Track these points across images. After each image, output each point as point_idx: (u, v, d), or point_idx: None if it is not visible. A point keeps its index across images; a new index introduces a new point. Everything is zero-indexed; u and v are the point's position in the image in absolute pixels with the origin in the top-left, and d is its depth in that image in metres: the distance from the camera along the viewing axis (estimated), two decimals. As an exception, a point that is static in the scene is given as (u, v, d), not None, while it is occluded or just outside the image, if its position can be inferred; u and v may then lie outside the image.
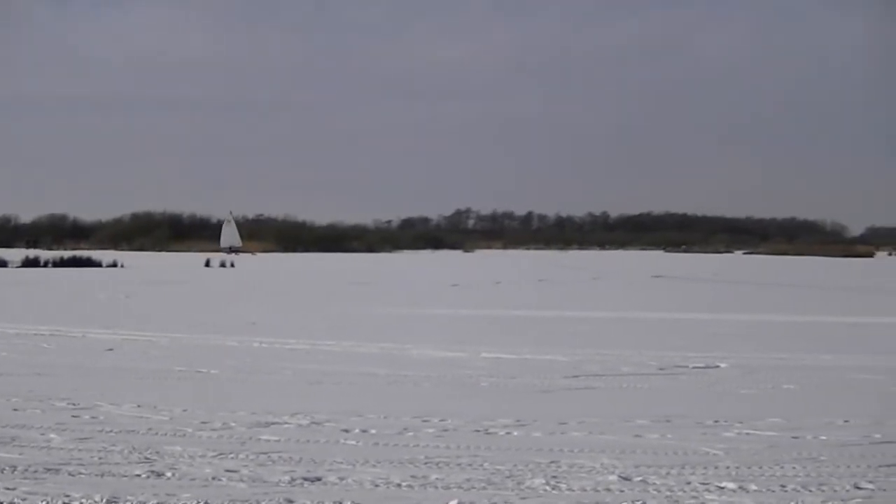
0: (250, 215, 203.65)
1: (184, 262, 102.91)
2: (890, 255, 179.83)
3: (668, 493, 10.76)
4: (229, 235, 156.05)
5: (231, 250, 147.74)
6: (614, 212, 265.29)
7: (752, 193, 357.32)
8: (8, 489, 10.55)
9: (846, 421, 15.30)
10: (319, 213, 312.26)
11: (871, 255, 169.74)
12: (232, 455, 12.40)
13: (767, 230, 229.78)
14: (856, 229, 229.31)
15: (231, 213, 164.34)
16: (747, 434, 14.25)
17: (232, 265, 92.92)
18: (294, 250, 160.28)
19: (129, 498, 10.15)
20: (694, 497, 10.62)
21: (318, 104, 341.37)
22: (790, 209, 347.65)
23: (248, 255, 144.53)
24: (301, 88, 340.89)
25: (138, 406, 16.03)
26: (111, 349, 24.73)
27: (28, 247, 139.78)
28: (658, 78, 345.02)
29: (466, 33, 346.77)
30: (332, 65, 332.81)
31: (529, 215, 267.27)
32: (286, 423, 14.71)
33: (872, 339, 29.56)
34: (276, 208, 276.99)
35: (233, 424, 14.49)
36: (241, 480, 11.13)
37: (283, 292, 54.26)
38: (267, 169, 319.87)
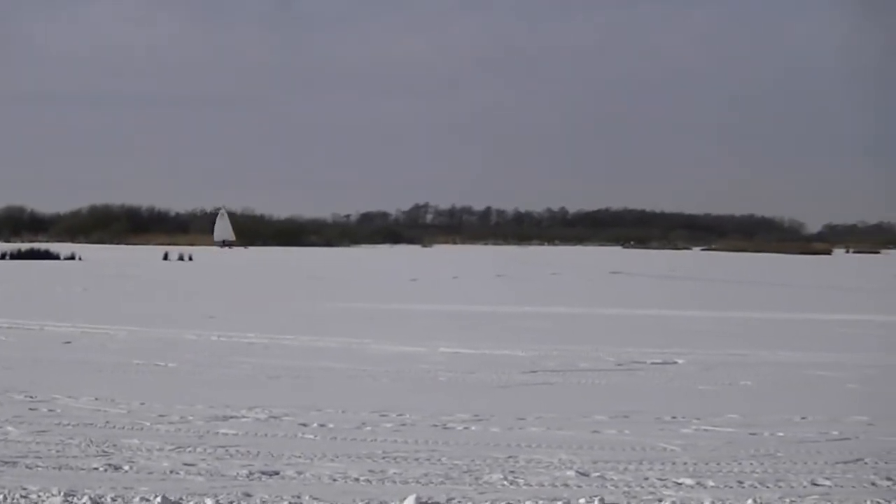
0: (208, 209, 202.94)
1: (142, 256, 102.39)
2: (847, 252, 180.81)
3: (626, 489, 10.81)
4: (222, 229, 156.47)
5: (225, 244, 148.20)
6: (573, 207, 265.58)
7: (710, 190, 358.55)
8: (-36, 482, 10.51)
9: (803, 417, 15.40)
10: (278, 207, 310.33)
11: (828, 253, 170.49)
12: (190, 448, 12.37)
13: (725, 227, 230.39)
14: (813, 227, 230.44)
15: (224, 207, 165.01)
16: (705, 430, 14.33)
17: (190, 258, 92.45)
18: (252, 244, 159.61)
19: (86, 491, 10.11)
20: (651, 493, 10.67)
21: (276, 98, 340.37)
22: (748, 206, 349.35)
23: (241, 248, 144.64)
24: (259, 82, 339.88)
25: (96, 399, 15.98)
26: (69, 342, 24.63)
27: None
28: (617, 75, 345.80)
29: (425, 28, 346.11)
30: (290, 59, 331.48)
31: (488, 210, 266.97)
32: (244, 416, 14.69)
33: (829, 336, 29.74)
34: (235, 202, 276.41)
35: (190, 418, 14.47)
36: (199, 474, 11.12)
37: (242, 286, 54.15)
38: (225, 163, 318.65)
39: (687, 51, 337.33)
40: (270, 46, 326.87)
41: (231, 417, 14.57)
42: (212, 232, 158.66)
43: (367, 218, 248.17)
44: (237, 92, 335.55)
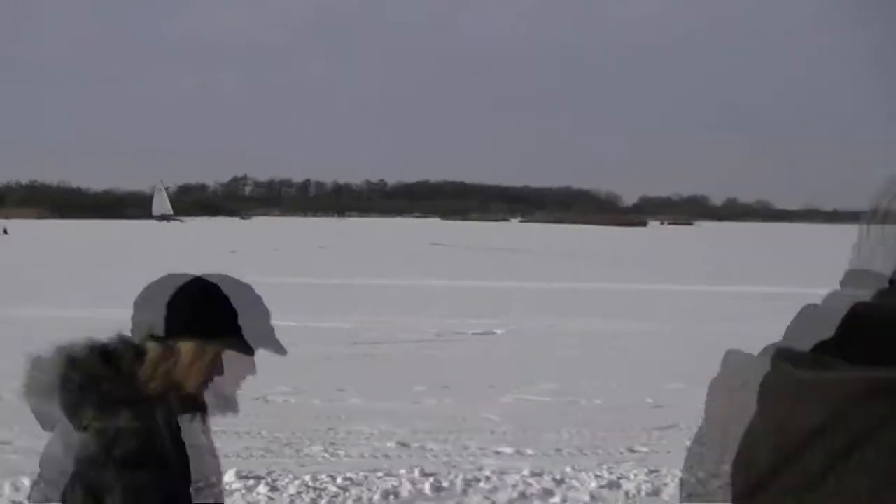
0: (24, 181, 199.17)
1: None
2: (662, 224, 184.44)
3: (446, 459, 10.87)
4: (160, 203, 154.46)
5: (163, 217, 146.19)
6: (392, 179, 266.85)
7: (528, 163, 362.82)
8: None
9: (620, 385, 15.66)
10: (95, 180, 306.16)
11: (643, 224, 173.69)
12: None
13: (544, 199, 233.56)
14: (629, 199, 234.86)
15: (161, 181, 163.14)
16: (524, 399, 14.47)
17: (5, 231, 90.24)
18: (70, 217, 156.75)
19: None
20: (471, 462, 10.74)
21: (95, 71, 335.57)
22: (566, 179, 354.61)
23: (178, 222, 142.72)
24: (79, 55, 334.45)
25: None
26: None
27: None
28: (438, 48, 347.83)
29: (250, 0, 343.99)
30: (115, 32, 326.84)
31: (307, 182, 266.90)
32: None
33: (643, 305, 30.25)
34: (51, 174, 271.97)
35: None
36: (15, 453, 10.88)
37: (54, 260, 53.11)
38: (41, 134, 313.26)
39: (506, 25, 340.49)
40: (94, 19, 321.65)
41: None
42: (23, 205, 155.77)
43: (184, 190, 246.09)
44: (57, 63, 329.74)
